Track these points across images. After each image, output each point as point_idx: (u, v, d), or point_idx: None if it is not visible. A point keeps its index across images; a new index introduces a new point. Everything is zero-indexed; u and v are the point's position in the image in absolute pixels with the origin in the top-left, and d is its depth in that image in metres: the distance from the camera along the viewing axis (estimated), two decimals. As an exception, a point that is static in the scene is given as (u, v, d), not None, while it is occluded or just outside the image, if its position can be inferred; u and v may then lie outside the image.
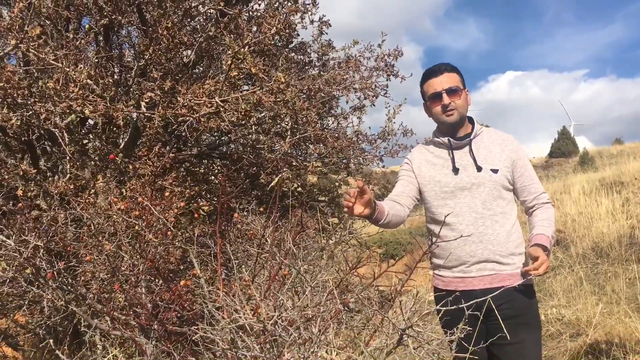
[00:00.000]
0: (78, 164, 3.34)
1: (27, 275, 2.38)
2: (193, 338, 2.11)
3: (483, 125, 2.54)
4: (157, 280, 2.46)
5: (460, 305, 1.84)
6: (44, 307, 3.00)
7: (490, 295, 2.11)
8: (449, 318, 2.04)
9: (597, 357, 4.39)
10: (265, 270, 2.34)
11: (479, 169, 2.37)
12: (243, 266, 2.38)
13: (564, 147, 28.28)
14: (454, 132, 2.45)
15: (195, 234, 2.81)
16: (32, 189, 2.69)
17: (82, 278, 2.44)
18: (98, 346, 2.89)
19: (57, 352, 2.38)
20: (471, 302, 2.00)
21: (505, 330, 2.26)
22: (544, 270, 2.24)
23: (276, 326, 1.60)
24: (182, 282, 2.04)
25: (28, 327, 4.21)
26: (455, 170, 2.40)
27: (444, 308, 1.89)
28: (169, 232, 2.34)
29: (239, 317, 1.61)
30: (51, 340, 3.00)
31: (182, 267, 2.76)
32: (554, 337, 4.93)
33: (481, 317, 2.25)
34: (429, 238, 2.56)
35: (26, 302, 2.61)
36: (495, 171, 2.37)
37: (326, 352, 1.81)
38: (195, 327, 1.78)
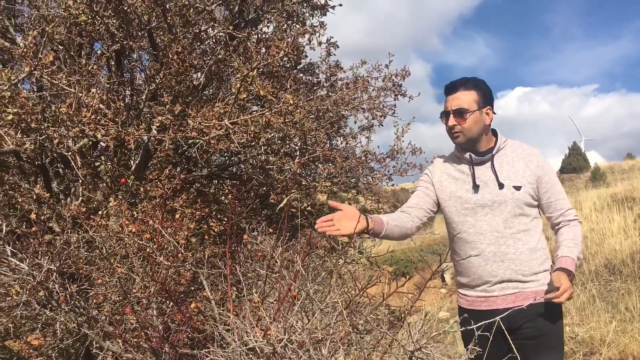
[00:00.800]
0: (90, 186, 3.39)
1: (40, 299, 2.41)
2: (204, 360, 2.12)
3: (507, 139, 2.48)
4: (167, 302, 2.48)
5: (476, 325, 1.84)
6: (56, 329, 3.03)
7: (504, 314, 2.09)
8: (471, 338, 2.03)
9: (611, 376, 4.35)
10: (275, 291, 2.35)
11: (501, 186, 2.34)
12: (253, 287, 2.39)
13: (574, 162, 28.14)
14: (473, 148, 2.41)
15: (206, 255, 2.83)
16: (45, 212, 2.73)
17: (94, 301, 2.47)
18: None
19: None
20: (494, 321, 2.01)
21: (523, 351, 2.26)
22: (565, 298, 2.20)
23: (286, 349, 1.61)
24: (192, 305, 2.06)
25: (41, 349, 4.24)
26: (476, 188, 2.37)
27: (466, 327, 1.90)
28: (179, 255, 2.37)
29: (249, 340, 1.63)
30: (63, 363, 3.02)
31: (192, 289, 2.77)
32: (567, 356, 4.88)
33: (505, 335, 2.24)
34: (451, 255, 2.54)
35: (39, 325, 2.63)
36: (518, 188, 2.32)
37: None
38: (206, 350, 1.79)
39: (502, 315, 2.01)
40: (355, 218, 2.13)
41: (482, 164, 2.40)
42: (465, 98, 2.37)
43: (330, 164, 3.85)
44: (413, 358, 1.53)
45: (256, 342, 1.60)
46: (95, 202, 3.47)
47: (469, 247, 2.38)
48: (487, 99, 2.41)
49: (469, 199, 2.38)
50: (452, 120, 2.37)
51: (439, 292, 10.27)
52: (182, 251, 2.24)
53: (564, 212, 2.40)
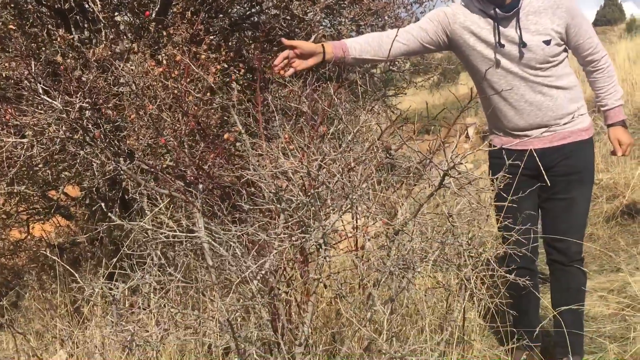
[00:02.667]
0: (112, 35, 3.33)
1: (75, 139, 2.46)
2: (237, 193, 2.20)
3: None
4: (199, 144, 2.51)
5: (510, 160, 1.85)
6: (93, 172, 3.14)
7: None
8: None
9: (633, 216, 4.44)
10: (305, 130, 2.36)
11: (524, 44, 2.20)
12: (282, 126, 2.39)
13: (609, 14, 26.69)
14: (501, 0, 2.19)
15: (234, 98, 2.82)
16: (70, 54, 2.70)
17: (128, 141, 2.51)
18: (147, 212, 3.03)
19: (109, 214, 2.49)
20: (530, 159, 2.03)
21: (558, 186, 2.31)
22: (629, 151, 2.37)
23: (320, 171, 1.64)
24: (225, 136, 2.09)
25: (78, 198, 4.44)
26: (501, 45, 2.23)
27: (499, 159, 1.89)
28: (208, 94, 2.36)
29: (282, 163, 1.66)
30: (102, 204, 3.17)
31: (222, 131, 2.80)
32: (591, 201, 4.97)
33: (536, 174, 2.27)
34: (483, 106, 2.49)
35: (75, 168, 2.71)
36: (547, 42, 2.20)
37: (367, 199, 1.86)
38: (241, 172, 1.84)
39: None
40: (312, 49, 2.08)
41: (507, 20, 2.22)
42: None
43: (357, 6, 3.69)
44: (446, 177, 1.55)
45: (290, 165, 1.64)
46: (119, 51, 3.44)
47: (500, 100, 2.32)
48: None
49: (493, 55, 2.26)
50: None
51: (462, 147, 10.33)
52: (213, 85, 2.23)
53: (592, 50, 2.30)
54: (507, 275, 2.00)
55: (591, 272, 3.72)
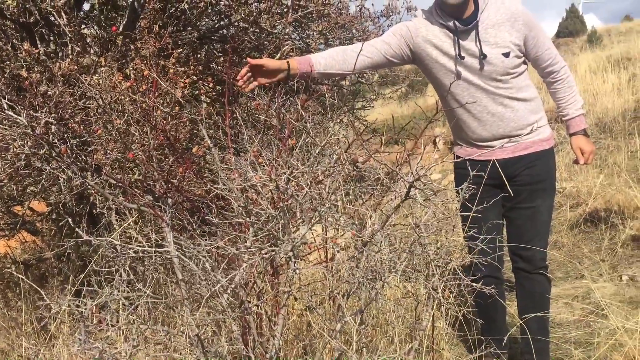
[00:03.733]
0: (79, 49, 3.30)
1: (41, 155, 2.43)
2: (206, 207, 2.20)
3: None
4: (167, 158, 2.51)
5: (473, 170, 1.89)
6: (59, 188, 3.09)
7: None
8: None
9: (595, 224, 4.56)
10: (273, 144, 2.38)
11: (485, 56, 2.25)
12: (252, 138, 2.40)
13: (571, 26, 27.35)
14: (460, 13, 2.26)
15: (203, 113, 2.82)
16: (36, 68, 2.67)
17: (95, 156, 2.49)
18: (115, 227, 3.00)
19: (76, 230, 2.46)
20: (493, 169, 2.09)
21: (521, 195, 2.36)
22: (592, 159, 2.43)
23: (289, 184, 1.66)
24: (194, 149, 2.09)
25: (44, 213, 4.36)
26: (462, 57, 2.28)
27: (462, 169, 1.94)
28: (177, 107, 2.36)
29: (251, 177, 1.67)
30: (69, 219, 3.12)
31: (192, 143, 2.80)
32: (554, 209, 5.09)
33: (499, 183, 2.32)
34: (447, 117, 2.54)
35: (41, 183, 2.67)
36: (507, 55, 2.26)
37: (336, 212, 1.88)
38: (209, 190, 1.85)
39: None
40: (277, 66, 2.14)
41: (466, 33, 2.27)
42: None
43: (324, 20, 3.73)
44: (412, 189, 1.58)
45: (259, 178, 1.65)
46: (86, 65, 3.41)
47: (464, 111, 2.38)
48: None
49: (456, 68, 2.31)
50: None
51: (430, 157, 10.46)
52: (180, 100, 2.23)
53: (551, 62, 2.37)
54: (474, 284, 2.04)
55: (556, 279, 3.81)
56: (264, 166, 1.91)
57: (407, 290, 2.52)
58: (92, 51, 3.56)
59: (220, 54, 4.78)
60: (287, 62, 2.19)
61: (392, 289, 2.41)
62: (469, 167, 1.89)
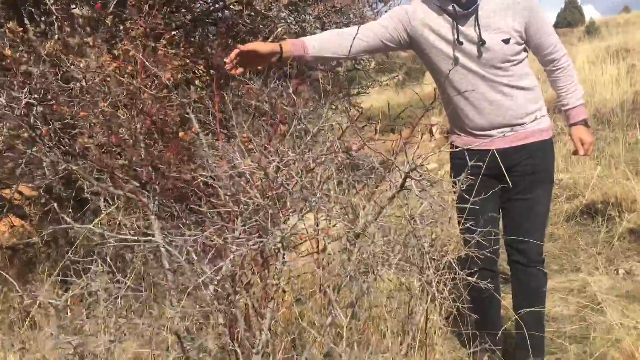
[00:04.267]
0: (68, 28, 3.19)
1: (24, 137, 2.34)
2: (194, 194, 2.12)
3: None
4: (155, 143, 2.42)
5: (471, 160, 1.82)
6: (45, 172, 3.00)
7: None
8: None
9: (592, 216, 4.51)
10: (265, 130, 2.30)
11: (484, 42, 2.18)
12: (242, 124, 2.32)
13: (569, 16, 27.23)
14: None
15: (193, 97, 2.73)
16: (20, 48, 2.57)
17: (80, 140, 2.40)
18: (102, 210, 2.92)
19: (62, 216, 2.38)
20: (491, 159, 2.02)
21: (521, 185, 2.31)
22: (592, 150, 2.37)
23: (278, 173, 1.58)
24: (180, 134, 2.01)
25: (33, 197, 4.27)
26: (460, 42, 2.21)
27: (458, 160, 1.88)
28: (164, 91, 2.27)
29: (239, 164, 1.59)
30: (55, 204, 3.04)
31: (182, 129, 2.71)
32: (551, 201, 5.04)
33: (498, 174, 2.25)
34: (444, 105, 2.47)
35: (24, 165, 2.58)
36: (507, 41, 2.18)
37: (327, 202, 1.81)
38: (196, 174, 1.77)
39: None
40: (269, 50, 2.08)
41: (465, 17, 2.19)
42: None
43: (321, 3, 3.64)
44: (407, 179, 1.51)
45: (248, 166, 1.57)
46: (74, 45, 3.30)
47: (461, 99, 2.30)
48: None
49: (454, 54, 2.23)
50: None
51: (427, 146, 10.39)
52: (167, 82, 2.15)
53: (552, 49, 2.30)
54: (469, 278, 1.98)
55: (552, 271, 3.76)
56: (254, 152, 1.83)
57: (402, 282, 2.46)
58: (82, 31, 3.46)
59: (214, 38, 4.68)
60: (280, 45, 2.10)
61: (384, 282, 2.34)
62: (467, 157, 1.83)
